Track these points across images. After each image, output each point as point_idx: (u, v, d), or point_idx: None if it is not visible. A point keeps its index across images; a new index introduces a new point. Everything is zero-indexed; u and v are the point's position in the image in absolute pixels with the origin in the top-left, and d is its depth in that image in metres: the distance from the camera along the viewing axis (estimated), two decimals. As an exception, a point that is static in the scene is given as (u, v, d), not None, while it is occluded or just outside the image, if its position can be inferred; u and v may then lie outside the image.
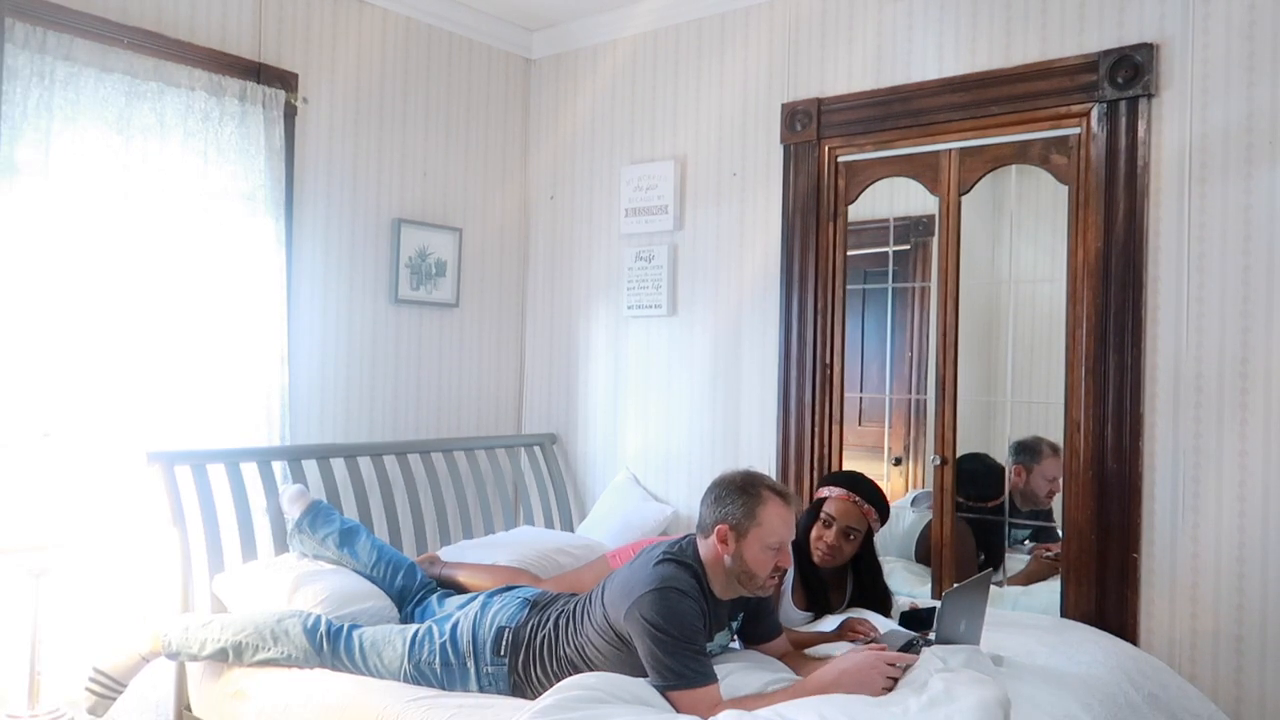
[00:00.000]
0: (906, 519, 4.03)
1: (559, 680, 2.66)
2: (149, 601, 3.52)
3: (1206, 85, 3.32)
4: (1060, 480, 3.63)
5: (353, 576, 3.42)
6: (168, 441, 3.62)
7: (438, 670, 2.86)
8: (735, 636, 2.90)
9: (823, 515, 3.28)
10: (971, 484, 3.83)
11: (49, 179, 3.37)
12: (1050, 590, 3.63)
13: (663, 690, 2.50)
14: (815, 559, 3.29)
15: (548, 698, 2.41)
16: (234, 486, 3.64)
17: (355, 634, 3.01)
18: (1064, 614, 3.53)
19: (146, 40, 3.64)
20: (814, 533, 3.28)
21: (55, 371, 3.41)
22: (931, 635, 2.93)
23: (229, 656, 3.06)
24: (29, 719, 3.11)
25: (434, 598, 3.35)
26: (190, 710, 3.26)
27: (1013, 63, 3.68)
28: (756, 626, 2.89)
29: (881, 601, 3.39)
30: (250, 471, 3.73)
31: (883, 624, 3.15)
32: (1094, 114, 3.49)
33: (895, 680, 2.51)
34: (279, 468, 3.84)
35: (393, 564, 3.46)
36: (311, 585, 3.31)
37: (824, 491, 3.34)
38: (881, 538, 3.45)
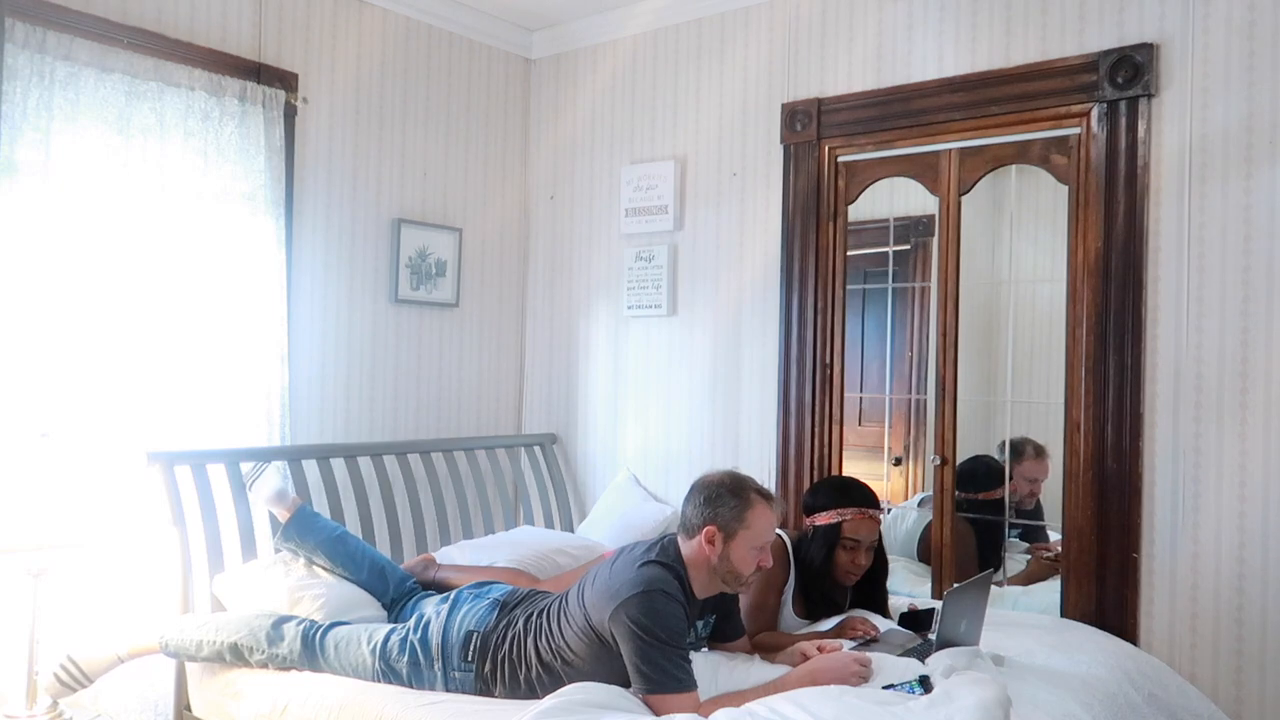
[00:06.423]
0: (910, 519, 4.03)
1: (527, 683, 2.70)
2: (147, 601, 3.52)
3: (1206, 85, 3.32)
4: (1041, 483, 3.71)
5: (349, 584, 3.40)
6: (168, 441, 3.62)
7: (405, 669, 2.85)
8: (705, 641, 2.91)
9: (846, 541, 3.17)
10: (971, 480, 3.83)
11: (49, 179, 3.37)
12: (1050, 590, 3.62)
13: (645, 694, 2.52)
14: (848, 582, 3.24)
15: (550, 700, 2.43)
16: (234, 486, 3.63)
17: (331, 632, 3.01)
18: (1064, 614, 3.53)
19: (146, 40, 3.64)
20: (840, 559, 3.18)
21: (55, 371, 3.40)
22: (931, 635, 2.94)
23: (226, 658, 3.07)
24: (27, 719, 3.11)
25: (415, 600, 3.34)
26: (190, 710, 3.26)
27: (1013, 63, 3.67)
28: (724, 625, 2.92)
29: (881, 603, 3.37)
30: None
31: (882, 624, 3.14)
32: (1094, 114, 3.49)
33: (866, 677, 2.56)
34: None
35: (377, 569, 3.45)
36: (309, 593, 3.30)
37: (831, 516, 3.18)
38: (885, 537, 3.42)
